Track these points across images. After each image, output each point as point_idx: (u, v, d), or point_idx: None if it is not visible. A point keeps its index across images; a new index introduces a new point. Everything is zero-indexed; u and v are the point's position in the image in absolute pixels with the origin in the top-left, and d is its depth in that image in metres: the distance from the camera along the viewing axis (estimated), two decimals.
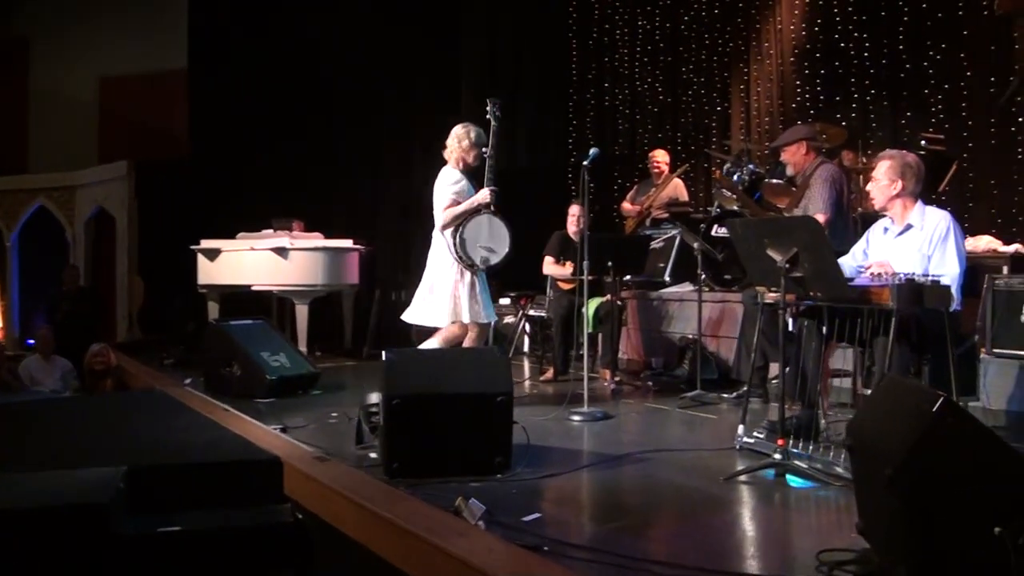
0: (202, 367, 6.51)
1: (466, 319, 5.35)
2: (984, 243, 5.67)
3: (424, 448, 3.81)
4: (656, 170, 8.49)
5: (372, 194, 10.60)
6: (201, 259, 8.27)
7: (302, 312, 7.94)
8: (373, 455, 4.13)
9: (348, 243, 8.29)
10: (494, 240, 5.36)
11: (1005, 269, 5.39)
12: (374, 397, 4.31)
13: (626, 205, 8.51)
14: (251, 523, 2.42)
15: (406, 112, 10.59)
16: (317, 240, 8.18)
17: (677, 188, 8.54)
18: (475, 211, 5.37)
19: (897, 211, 4.36)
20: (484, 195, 5.38)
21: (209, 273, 8.26)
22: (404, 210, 10.67)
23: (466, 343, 5.40)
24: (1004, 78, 6.47)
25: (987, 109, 6.64)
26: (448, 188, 5.42)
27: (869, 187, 4.53)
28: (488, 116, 5.55)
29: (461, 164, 5.49)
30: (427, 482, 3.65)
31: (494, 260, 5.38)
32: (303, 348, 7.49)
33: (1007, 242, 5.91)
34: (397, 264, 10.51)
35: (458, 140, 5.49)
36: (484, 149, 5.45)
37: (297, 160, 9.79)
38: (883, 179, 4.33)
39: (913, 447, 2.37)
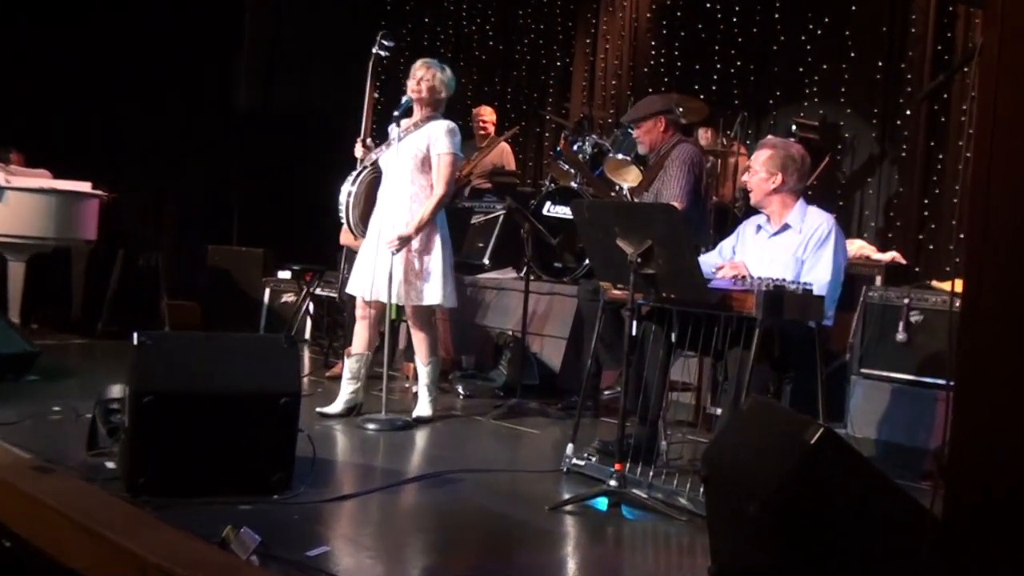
0: None
1: None
2: (855, 248, 5.89)
3: (181, 459, 3.63)
4: (481, 131, 8.53)
5: (121, 130, 10.06)
6: None
7: (17, 271, 7.49)
8: (110, 464, 3.92)
9: (85, 187, 7.83)
10: None
11: (878, 279, 5.70)
12: (116, 390, 4.10)
13: None
14: None
15: (176, 39, 10.11)
16: (43, 180, 7.69)
17: (504, 154, 8.60)
18: None
19: (775, 209, 4.47)
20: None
21: None
22: (158, 153, 10.21)
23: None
24: (895, 64, 6.74)
25: (870, 97, 6.91)
26: None
27: (745, 177, 4.66)
28: (375, 49, 5.66)
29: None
30: (182, 503, 3.49)
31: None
32: (15, 319, 7.06)
33: (882, 249, 6.23)
34: (147, 219, 10.05)
35: None
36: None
37: (28, 78, 9.17)
38: (761, 171, 4.44)
39: (784, 481, 2.44)
